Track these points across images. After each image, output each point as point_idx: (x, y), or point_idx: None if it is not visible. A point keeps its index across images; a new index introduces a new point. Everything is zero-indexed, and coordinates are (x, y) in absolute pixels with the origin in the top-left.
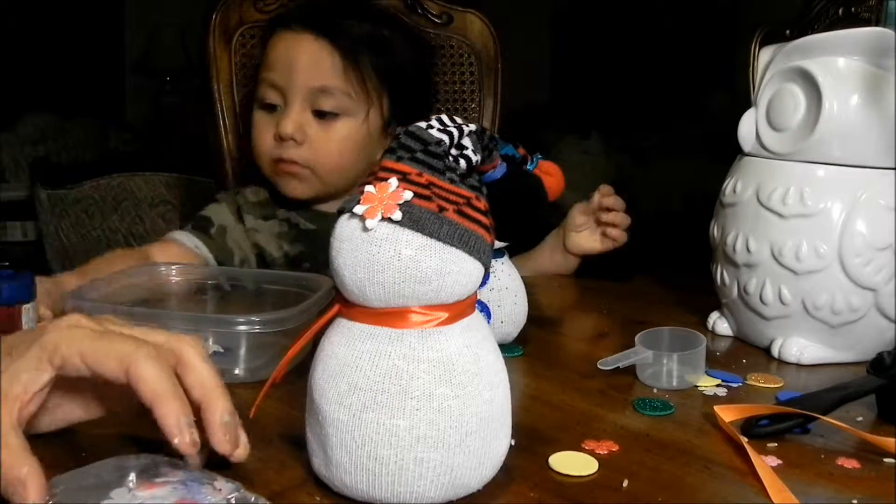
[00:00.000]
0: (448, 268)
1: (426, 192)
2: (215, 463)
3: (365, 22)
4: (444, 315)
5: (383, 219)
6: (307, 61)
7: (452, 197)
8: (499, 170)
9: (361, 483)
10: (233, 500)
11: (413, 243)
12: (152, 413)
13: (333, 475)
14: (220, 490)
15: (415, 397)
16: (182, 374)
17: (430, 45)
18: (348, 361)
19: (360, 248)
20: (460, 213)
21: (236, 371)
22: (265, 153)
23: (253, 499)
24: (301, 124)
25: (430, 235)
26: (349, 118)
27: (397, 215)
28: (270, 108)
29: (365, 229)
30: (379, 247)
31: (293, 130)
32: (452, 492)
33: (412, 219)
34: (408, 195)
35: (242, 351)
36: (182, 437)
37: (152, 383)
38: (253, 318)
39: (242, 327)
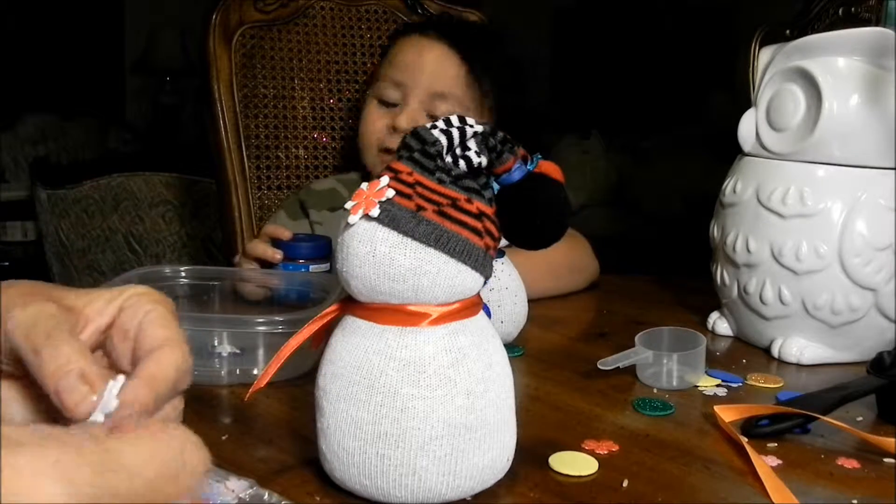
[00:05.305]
0: (424, 267)
1: (409, 190)
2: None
3: (494, 47)
4: (431, 316)
5: (364, 215)
6: (433, 66)
7: (435, 197)
8: (516, 172)
9: (336, 471)
10: (247, 498)
11: (388, 241)
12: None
13: (323, 462)
14: (233, 490)
15: (381, 393)
16: None
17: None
18: (336, 351)
19: (345, 243)
20: (441, 213)
21: (255, 371)
22: (373, 143)
23: (266, 496)
24: (416, 121)
25: (405, 234)
26: None
27: (374, 212)
28: (387, 105)
29: (349, 224)
30: (359, 242)
31: (408, 125)
32: (421, 496)
33: (389, 216)
34: (390, 193)
35: (260, 351)
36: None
37: None
38: (276, 318)
39: (262, 328)
